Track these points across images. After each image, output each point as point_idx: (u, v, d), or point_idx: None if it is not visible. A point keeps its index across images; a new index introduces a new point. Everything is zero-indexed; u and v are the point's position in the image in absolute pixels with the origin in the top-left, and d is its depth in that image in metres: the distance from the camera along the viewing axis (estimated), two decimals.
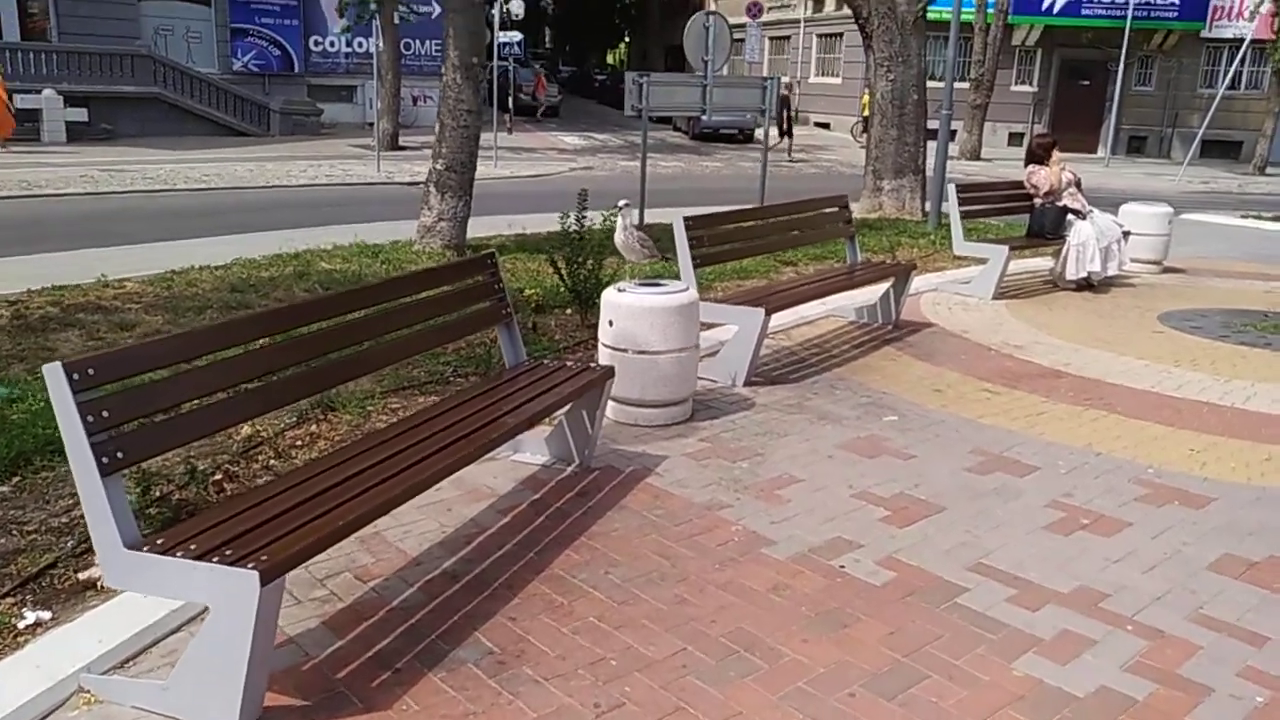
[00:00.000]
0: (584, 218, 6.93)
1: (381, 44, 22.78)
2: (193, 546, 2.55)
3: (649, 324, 4.95)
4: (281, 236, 10.70)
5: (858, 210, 13.21)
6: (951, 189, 8.76)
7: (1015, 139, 31.83)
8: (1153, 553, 3.80)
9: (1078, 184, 9.22)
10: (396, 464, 3.16)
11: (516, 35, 29.48)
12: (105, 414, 2.55)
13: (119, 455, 2.56)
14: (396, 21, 24.00)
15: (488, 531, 3.86)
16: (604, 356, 5.12)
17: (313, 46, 29.12)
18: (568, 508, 4.09)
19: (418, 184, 19.46)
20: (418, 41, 30.56)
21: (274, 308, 3.79)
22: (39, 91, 22.75)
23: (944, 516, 4.09)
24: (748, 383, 5.83)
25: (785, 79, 30.26)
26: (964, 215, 8.82)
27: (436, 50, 31.40)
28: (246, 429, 4.66)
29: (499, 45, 28.14)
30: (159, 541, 2.59)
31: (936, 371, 6.25)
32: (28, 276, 8.10)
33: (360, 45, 28.23)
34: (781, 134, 26.61)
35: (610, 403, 5.13)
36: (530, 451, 4.59)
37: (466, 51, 8.70)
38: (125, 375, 2.71)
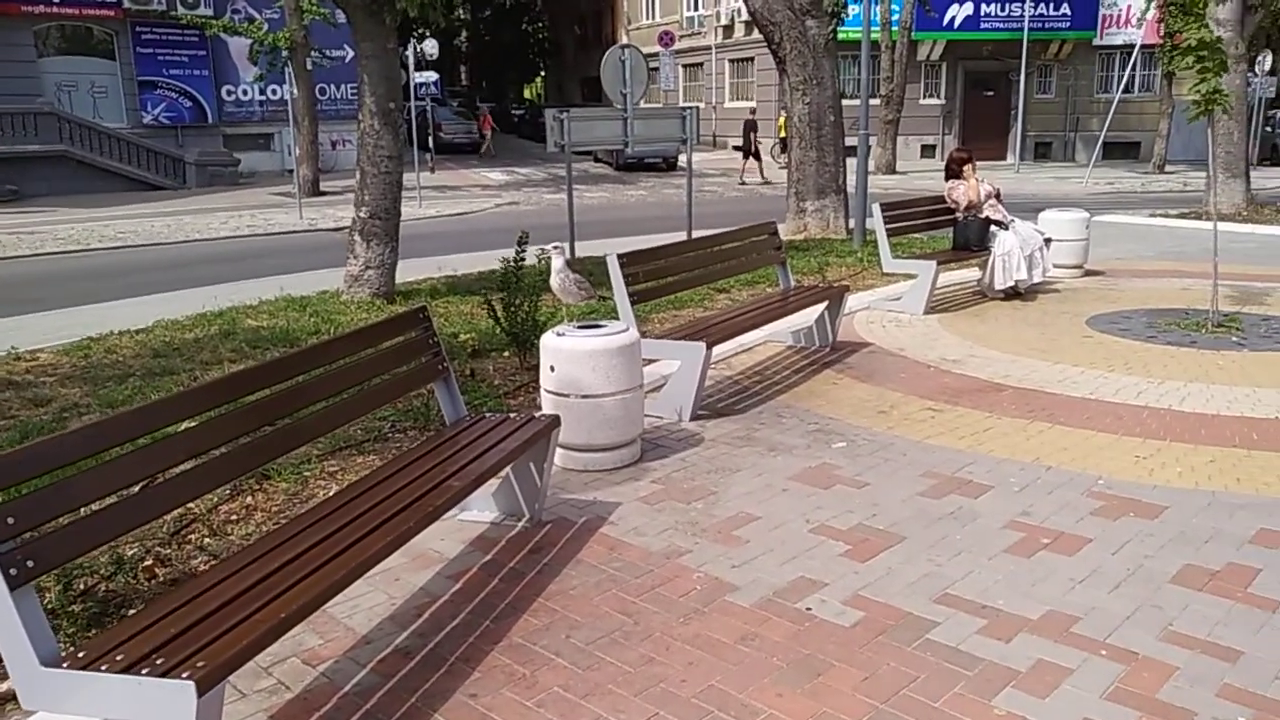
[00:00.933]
0: (522, 257, 6.82)
1: (296, 91, 22.43)
2: (119, 657, 2.35)
3: (590, 367, 4.83)
4: (205, 293, 10.39)
5: (783, 232, 13.23)
6: (876, 208, 8.83)
7: (928, 150, 32.63)
8: (1115, 569, 3.78)
9: (997, 195, 9.38)
10: (338, 543, 2.98)
11: (433, 75, 29.44)
12: (10, 520, 2.34)
13: (28, 564, 2.35)
14: (309, 67, 23.66)
15: (439, 600, 3.69)
16: (547, 403, 4.99)
17: (225, 96, 28.57)
18: (521, 567, 3.94)
19: (342, 229, 19.17)
20: (333, 86, 30.17)
21: (196, 385, 3.58)
22: None
23: (904, 547, 4.03)
24: (694, 417, 5.75)
25: (751, 104, 30.40)
26: (890, 232, 8.89)
27: (353, 94, 31.03)
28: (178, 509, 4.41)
29: (415, 85, 27.99)
30: (80, 655, 2.38)
31: (879, 392, 6.24)
32: None
33: (274, 92, 27.83)
34: (747, 156, 26.56)
35: (558, 449, 5.01)
36: (478, 509, 4.43)
37: (383, 97, 8.54)
38: (31, 476, 2.49)
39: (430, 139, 29.98)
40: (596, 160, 32.02)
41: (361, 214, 8.75)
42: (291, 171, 23.82)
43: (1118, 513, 4.31)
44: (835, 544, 4.07)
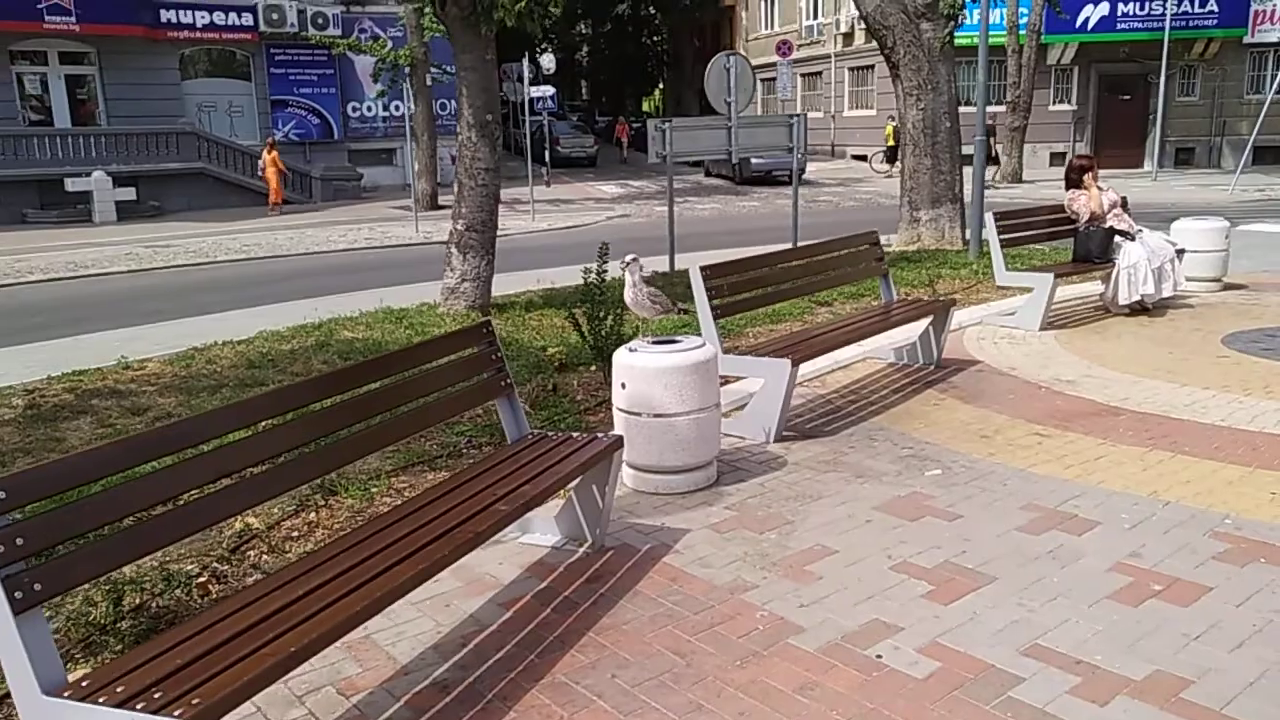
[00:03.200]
0: (604, 271, 6.66)
1: (415, 106, 23.01)
2: (119, 689, 2.25)
3: (663, 385, 4.61)
4: (313, 305, 10.59)
5: (896, 243, 12.85)
6: (989, 217, 8.33)
7: (1057, 159, 31.12)
8: (1239, 624, 3.33)
9: (1123, 204, 8.74)
10: (365, 571, 2.85)
11: (549, 89, 29.70)
12: (19, 541, 2.27)
13: (35, 588, 2.27)
14: (429, 83, 24.27)
15: (487, 630, 3.52)
16: (618, 421, 4.79)
17: (350, 113, 29.56)
18: (576, 597, 3.74)
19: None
20: (452, 101, 30.84)
21: (224, 405, 3.53)
22: (89, 174, 23.32)
23: (994, 588, 3.66)
24: (779, 438, 5.46)
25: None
26: (1004, 243, 8.39)
27: None
28: (238, 523, 4.40)
29: (533, 99, 28.38)
30: (84, 684, 2.29)
31: (983, 415, 5.81)
32: (56, 361, 8.04)
33: (396, 109, 28.58)
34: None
35: (628, 470, 4.82)
36: (540, 532, 4.26)
37: (481, 109, 8.54)
38: (46, 495, 2.43)
39: (546, 153, 30.34)
40: (709, 175, 31.70)
41: (458, 226, 8.76)
42: (411, 186, 24.43)
43: (1246, 558, 3.83)
44: (917, 583, 3.73)
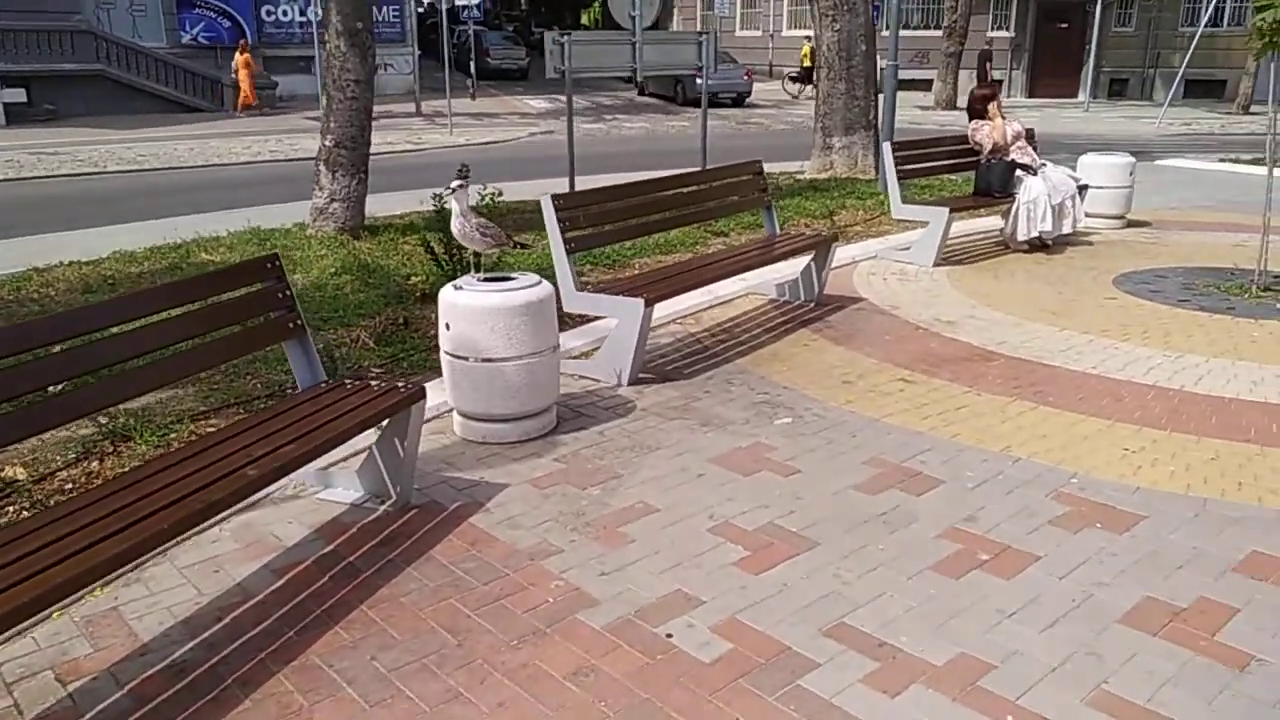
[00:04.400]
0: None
1: (323, 10, 21.82)
2: None
3: (489, 327, 4.23)
4: (188, 222, 9.93)
5: (809, 170, 12.49)
6: (886, 147, 8.00)
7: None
8: (1057, 599, 3.11)
9: (1028, 136, 8.46)
10: (50, 555, 2.45)
11: None
12: None
13: None
14: None
15: (251, 601, 3.17)
16: (444, 365, 4.42)
17: (265, 16, 28.08)
18: (361, 563, 3.40)
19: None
20: (375, 8, 29.43)
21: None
22: None
23: (812, 556, 3.40)
24: (634, 381, 5.14)
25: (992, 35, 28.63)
26: (904, 175, 8.07)
27: (395, 15, 30.42)
28: (9, 470, 3.97)
29: (459, 7, 27.18)
30: None
31: (851, 358, 5.54)
32: None
33: (317, 14, 27.18)
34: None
35: (456, 417, 4.46)
36: (342, 486, 3.90)
37: (350, 16, 7.90)
38: None
39: (472, 64, 29.24)
40: (643, 93, 30.78)
41: (326, 142, 8.17)
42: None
43: (1082, 522, 3.61)
44: (733, 549, 3.45)
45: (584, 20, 54.84)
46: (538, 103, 29.05)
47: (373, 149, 19.84)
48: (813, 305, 6.63)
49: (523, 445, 4.36)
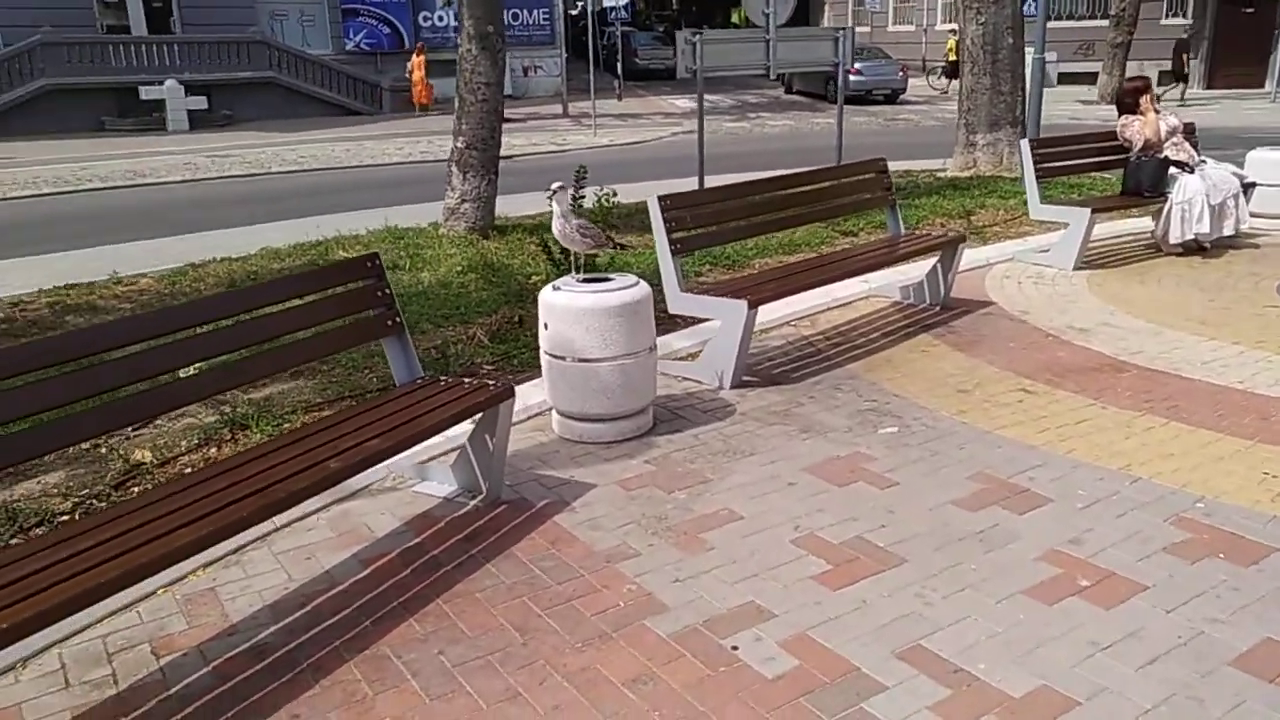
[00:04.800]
0: (580, 196, 6.29)
1: (456, 15, 22.52)
2: None
3: (584, 328, 4.25)
4: (336, 220, 10.41)
5: (951, 168, 12.04)
6: (1024, 144, 7.60)
7: (1166, 77, 29.02)
8: (1162, 635, 2.88)
9: (1186, 131, 7.89)
10: (138, 537, 2.59)
11: None
12: None
13: None
14: None
15: (336, 589, 3.28)
16: (544, 364, 4.46)
17: (422, 22, 29.17)
18: (444, 557, 3.47)
19: (511, 157, 19.30)
20: (525, 11, 30.26)
21: (72, 331, 3.41)
22: (163, 83, 23.60)
23: (897, 573, 3.25)
24: (737, 384, 5.06)
25: (1186, 22, 27.29)
26: (1044, 174, 7.66)
27: (545, 18, 31.09)
28: (138, 453, 4.25)
29: (606, 9, 27.54)
30: None
31: (971, 365, 5.29)
32: (76, 272, 8.09)
33: None
34: (1177, 80, 24.83)
35: (555, 416, 4.50)
36: (437, 480, 4.00)
37: (481, 20, 8.10)
38: None
39: (619, 64, 29.56)
40: (790, 91, 30.36)
41: (458, 144, 8.40)
42: None
43: (1203, 551, 3.33)
44: (815, 562, 3.35)
45: (734, 19, 54.55)
46: (682, 102, 29.11)
47: (517, 150, 20.44)
48: (938, 309, 6.37)
49: (617, 445, 4.36)
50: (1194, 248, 7.67)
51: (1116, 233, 8.47)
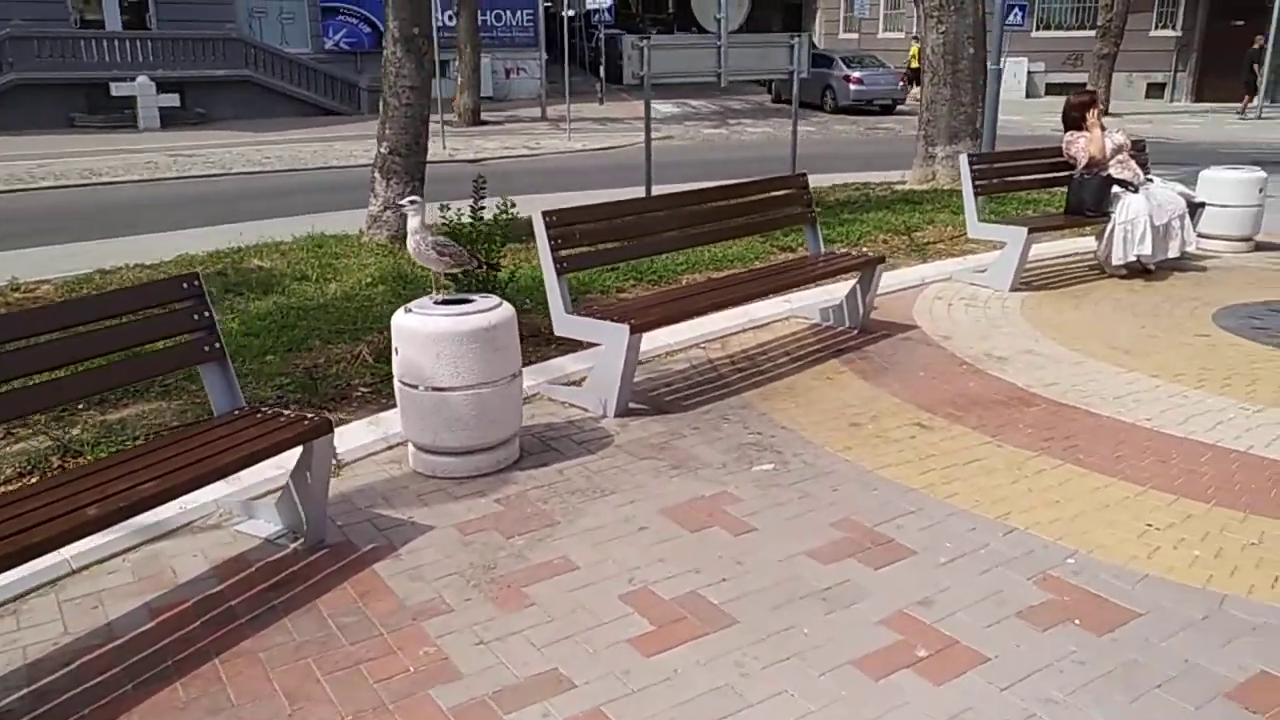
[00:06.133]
0: (480, 208, 6.02)
1: (459, 16, 22.26)
2: None
3: (434, 354, 3.96)
4: (271, 225, 10.12)
5: (910, 180, 11.79)
6: (963, 159, 7.32)
7: (1155, 90, 28.92)
8: (991, 716, 2.59)
9: (1134, 148, 7.63)
10: None
11: (606, 1, 28.44)
12: None
13: None
14: None
15: (111, 644, 3.00)
16: (397, 393, 4.18)
17: None
18: (241, 609, 3.18)
19: (479, 160, 19.03)
20: (509, 12, 30.00)
21: None
22: (134, 79, 23.31)
23: (723, 637, 2.97)
24: (623, 412, 4.78)
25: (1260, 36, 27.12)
26: (984, 190, 7.39)
27: (528, 20, 30.81)
28: None
29: (589, 12, 27.31)
30: None
31: (872, 395, 5.02)
32: None
33: (451, 19, 27.82)
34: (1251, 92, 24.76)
35: (411, 449, 4.22)
36: (263, 519, 3.71)
37: (406, 21, 7.82)
38: None
39: (601, 68, 29.32)
40: (779, 100, 29.91)
41: (381, 149, 8.12)
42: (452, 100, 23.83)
43: (1057, 616, 3.05)
44: (637, 621, 3.06)
45: None
46: (665, 107, 28.84)
47: (487, 153, 20.11)
48: (855, 332, 6.10)
49: (470, 481, 4.08)
50: (1138, 269, 7.41)
51: (1063, 252, 8.22)
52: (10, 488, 4.00)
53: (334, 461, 4.18)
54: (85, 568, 3.41)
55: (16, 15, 22.58)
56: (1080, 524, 3.63)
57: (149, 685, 2.80)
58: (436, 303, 4.15)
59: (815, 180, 13.16)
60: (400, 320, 4.06)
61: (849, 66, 27.36)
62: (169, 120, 23.59)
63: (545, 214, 4.85)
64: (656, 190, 10.26)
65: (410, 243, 4.20)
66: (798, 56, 10.55)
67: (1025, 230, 6.99)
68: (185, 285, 3.54)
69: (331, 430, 3.46)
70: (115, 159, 17.97)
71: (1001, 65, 10.02)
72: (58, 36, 23.44)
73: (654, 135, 23.38)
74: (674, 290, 5.82)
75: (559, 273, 4.84)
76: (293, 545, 3.57)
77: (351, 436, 4.47)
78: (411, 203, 4.14)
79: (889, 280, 7.29)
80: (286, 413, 3.50)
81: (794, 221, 6.36)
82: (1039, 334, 6.04)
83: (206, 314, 3.56)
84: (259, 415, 3.51)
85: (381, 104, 8.14)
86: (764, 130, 23.69)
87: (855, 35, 34.97)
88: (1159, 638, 2.93)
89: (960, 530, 3.60)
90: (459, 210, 5.98)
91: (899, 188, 11.50)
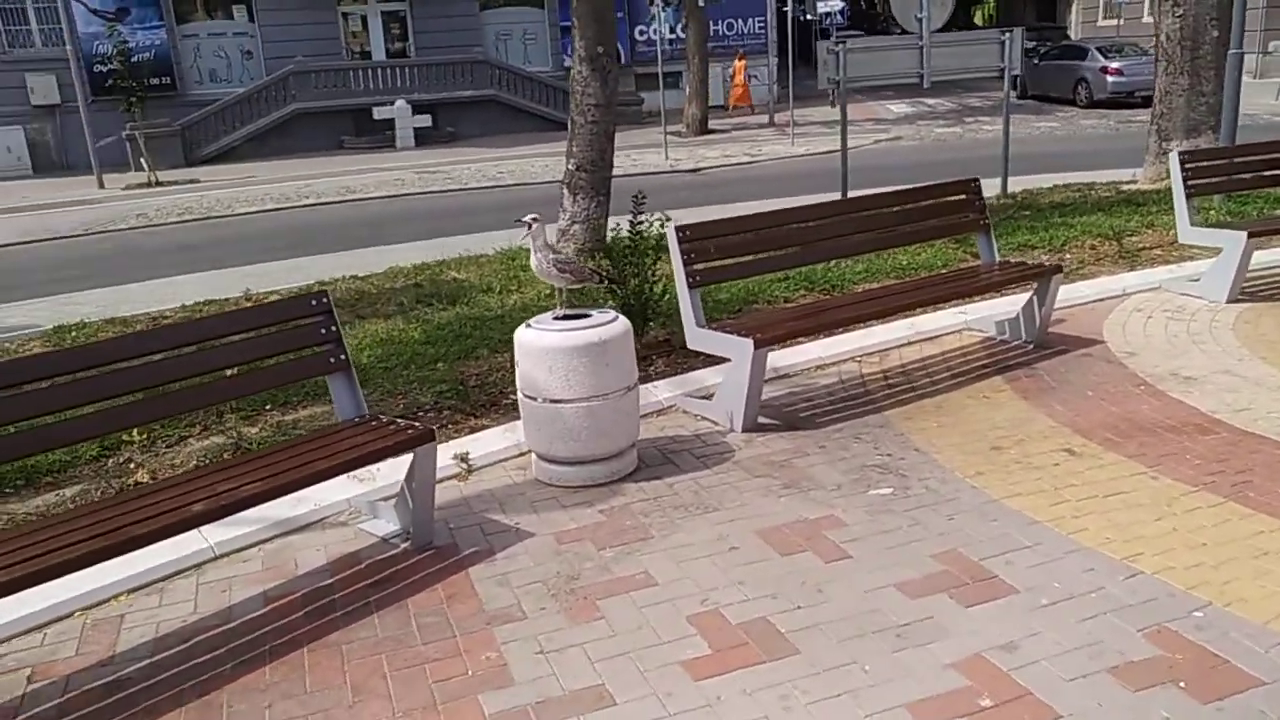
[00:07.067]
0: (639, 222, 6.12)
1: (686, 27, 22.66)
2: None
3: (548, 367, 4.09)
4: (483, 239, 10.72)
5: (1142, 179, 10.80)
6: (1173, 156, 6.63)
7: None
8: None
9: None
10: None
11: (838, 4, 27.95)
12: None
13: None
14: (701, 3, 23.76)
15: (226, 626, 3.33)
16: (520, 404, 4.34)
17: (638, 36, 29.72)
18: (341, 602, 3.43)
19: (699, 170, 19.27)
20: (740, 20, 30.17)
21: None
22: (393, 103, 25.42)
23: (777, 667, 2.88)
24: (751, 427, 4.72)
25: None
26: (1201, 190, 6.66)
27: (759, 27, 30.82)
28: (139, 473, 4.51)
29: (820, 15, 26.99)
30: None
31: (1027, 417, 4.66)
32: (209, 289, 8.81)
33: (680, 32, 28.35)
34: None
35: (534, 457, 4.37)
36: (385, 519, 3.98)
37: (592, 41, 8.06)
38: None
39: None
40: (1025, 96, 28.02)
41: (569, 166, 8.40)
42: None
43: (1161, 677, 2.72)
44: (696, 644, 3.03)
45: (975, 19, 51.96)
46: (899, 107, 28.00)
47: (708, 163, 20.27)
48: (1030, 347, 5.69)
49: (584, 490, 4.17)
50: None
51: None
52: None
53: (465, 467, 4.43)
54: (226, 555, 3.80)
55: (299, 52, 25.24)
56: (1224, 572, 3.22)
57: (245, 666, 3.08)
58: (557, 318, 4.27)
59: (1036, 180, 12.47)
60: (520, 335, 4.22)
61: (1106, 57, 25.28)
62: (422, 139, 25.51)
63: (679, 228, 4.88)
64: (854, 195, 10.00)
65: (533, 261, 4.35)
66: (1009, 54, 9.96)
67: (1244, 235, 6.23)
68: (314, 302, 3.85)
69: (433, 440, 3.65)
70: (370, 177, 19.67)
71: (1243, 50, 8.94)
72: (331, 69, 25.93)
73: (884, 136, 22.84)
74: (819, 303, 5.65)
75: (691, 286, 4.85)
76: (403, 545, 3.80)
77: (486, 443, 4.68)
78: (533, 218, 4.29)
79: (1086, 290, 6.76)
80: (399, 423, 3.73)
81: (966, 229, 6.01)
82: (1246, 352, 5.38)
83: (333, 328, 3.86)
84: (373, 424, 3.76)
85: (570, 122, 8.44)
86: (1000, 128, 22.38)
87: (1115, 21, 32.38)
88: (1277, 712, 2.55)
89: (1075, 570, 3.29)
90: (616, 225, 6.09)
91: (1127, 188, 10.55)
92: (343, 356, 3.87)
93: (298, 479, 3.28)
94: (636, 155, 21.30)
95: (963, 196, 5.93)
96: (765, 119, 26.37)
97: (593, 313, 4.30)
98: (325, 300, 3.88)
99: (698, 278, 4.89)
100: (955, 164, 15.24)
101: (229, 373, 3.80)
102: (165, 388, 3.61)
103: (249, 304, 8.03)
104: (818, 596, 3.25)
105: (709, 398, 5.09)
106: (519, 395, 4.31)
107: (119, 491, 3.63)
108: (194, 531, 3.67)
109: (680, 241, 4.83)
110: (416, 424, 3.71)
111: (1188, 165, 6.55)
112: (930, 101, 28.72)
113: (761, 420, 4.80)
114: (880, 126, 24.08)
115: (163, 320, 7.55)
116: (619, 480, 4.25)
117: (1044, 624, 3.00)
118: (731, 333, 4.69)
